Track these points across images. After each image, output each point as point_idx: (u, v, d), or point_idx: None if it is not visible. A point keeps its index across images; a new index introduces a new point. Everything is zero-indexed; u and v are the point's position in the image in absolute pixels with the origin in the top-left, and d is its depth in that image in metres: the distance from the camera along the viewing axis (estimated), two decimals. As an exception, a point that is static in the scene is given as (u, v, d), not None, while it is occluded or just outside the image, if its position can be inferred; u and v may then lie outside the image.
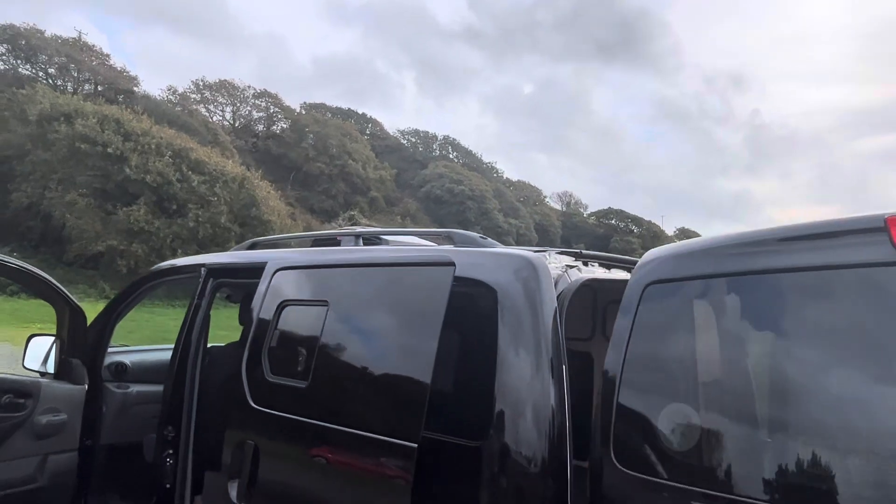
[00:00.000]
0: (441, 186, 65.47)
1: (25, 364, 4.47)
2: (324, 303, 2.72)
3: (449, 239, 2.84)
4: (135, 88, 46.62)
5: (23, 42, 40.48)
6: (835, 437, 1.71)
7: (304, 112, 63.74)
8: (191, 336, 3.65)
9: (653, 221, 79.18)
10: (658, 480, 1.93)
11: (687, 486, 1.85)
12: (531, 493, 2.09)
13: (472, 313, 2.35)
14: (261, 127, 61.86)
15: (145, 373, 4.81)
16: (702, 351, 1.96)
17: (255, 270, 3.24)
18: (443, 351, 2.20)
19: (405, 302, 2.49)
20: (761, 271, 1.87)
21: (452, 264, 2.34)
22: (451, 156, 77.84)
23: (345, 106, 78.54)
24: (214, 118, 57.08)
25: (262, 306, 3.01)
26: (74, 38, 45.12)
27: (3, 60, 41.28)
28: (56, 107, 30.25)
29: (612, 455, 2.06)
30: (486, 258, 2.46)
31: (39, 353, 4.47)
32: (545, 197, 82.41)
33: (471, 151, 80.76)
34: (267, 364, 2.86)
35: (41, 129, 29.92)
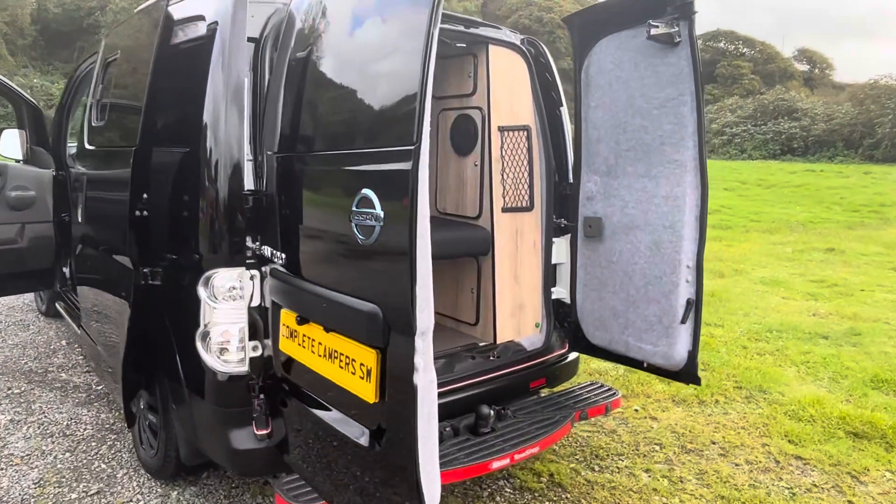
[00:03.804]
0: (529, 15, 61.48)
1: (1, 152, 5.34)
2: (116, 52, 3.21)
3: None
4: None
5: None
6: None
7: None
8: None
9: (767, 42, 71.53)
10: (284, 154, 2.40)
11: (295, 154, 2.33)
12: (220, 182, 2.56)
13: (183, 42, 2.74)
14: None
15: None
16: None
17: None
18: (157, 75, 2.62)
19: (143, 39, 2.91)
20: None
21: (166, 1, 2.69)
22: (539, -20, 72.32)
23: (424, -69, 73.51)
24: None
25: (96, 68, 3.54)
26: None
27: None
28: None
29: (276, 149, 2.50)
30: None
31: (10, 143, 5.31)
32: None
33: (561, -27, 74.48)
34: (97, 112, 3.45)
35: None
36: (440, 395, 3.04)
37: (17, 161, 5.30)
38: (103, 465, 3.46)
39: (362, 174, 1.89)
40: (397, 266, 1.75)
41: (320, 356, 2.14)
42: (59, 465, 3.45)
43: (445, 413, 2.98)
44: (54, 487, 3.24)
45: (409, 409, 1.72)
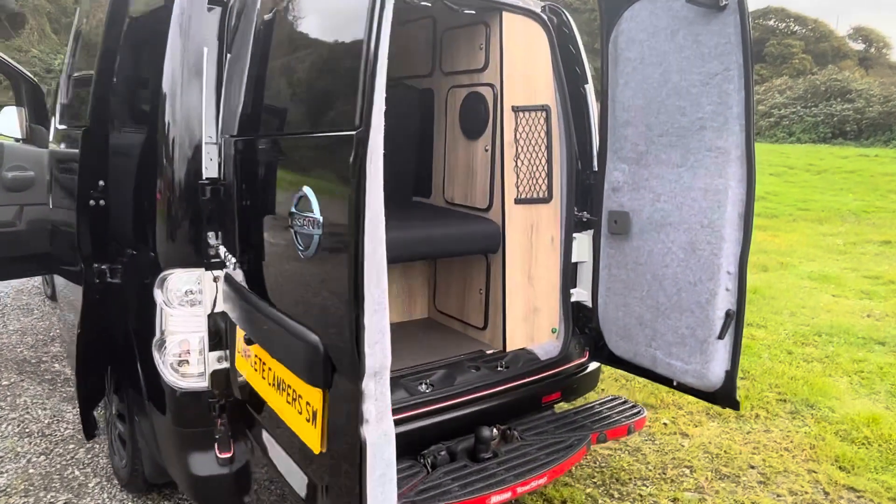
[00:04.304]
0: (571, -7, 60.22)
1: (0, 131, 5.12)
2: (83, 21, 2.90)
3: None
4: None
5: None
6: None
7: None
8: None
9: (820, 20, 68.26)
10: (238, 138, 2.03)
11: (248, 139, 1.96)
12: (176, 169, 2.22)
13: (139, 6, 2.39)
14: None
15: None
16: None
17: None
18: (109, 45, 2.28)
19: (101, 5, 2.58)
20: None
21: None
22: (581, -44, 70.25)
23: None
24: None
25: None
26: None
27: None
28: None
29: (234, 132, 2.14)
30: None
31: (9, 121, 5.08)
32: None
33: (604, -51, 72.13)
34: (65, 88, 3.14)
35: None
36: (437, 411, 2.71)
37: (17, 140, 5.07)
38: (77, 472, 3.21)
39: (302, 167, 1.52)
40: (339, 289, 1.38)
41: (270, 384, 1.79)
42: (30, 471, 3.21)
43: (442, 433, 2.64)
44: (20, 497, 2.99)
45: (357, 469, 1.36)
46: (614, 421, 2.98)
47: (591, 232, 3.13)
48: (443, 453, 2.58)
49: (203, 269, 2.20)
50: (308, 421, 1.54)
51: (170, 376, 2.24)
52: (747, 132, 2.48)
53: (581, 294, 3.24)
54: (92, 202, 2.38)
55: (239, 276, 2.02)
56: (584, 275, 3.23)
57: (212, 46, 2.20)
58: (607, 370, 3.98)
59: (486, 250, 3.13)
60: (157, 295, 2.24)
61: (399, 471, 2.39)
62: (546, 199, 3.12)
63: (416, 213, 3.39)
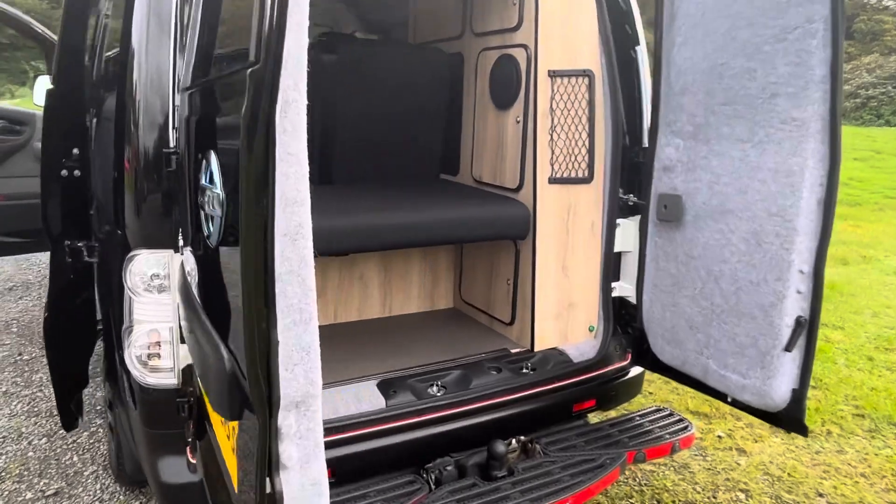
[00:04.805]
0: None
1: (35, 101, 5.03)
2: None
3: None
4: None
5: None
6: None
7: None
8: None
9: (918, -8, 63.22)
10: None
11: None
12: (141, 135, 1.93)
13: None
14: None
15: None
16: None
17: None
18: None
19: None
20: None
21: None
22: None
23: None
24: None
25: None
26: None
27: None
28: None
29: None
30: None
31: (44, 90, 4.98)
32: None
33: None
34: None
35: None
36: (448, 418, 2.38)
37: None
38: (75, 458, 3.05)
39: (210, 124, 1.19)
40: (239, 291, 1.04)
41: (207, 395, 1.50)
42: (29, 454, 3.07)
43: (452, 444, 2.31)
44: (13, 482, 2.85)
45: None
46: (656, 437, 2.58)
47: (637, 218, 2.71)
48: (450, 468, 2.25)
49: (172, 251, 1.92)
50: (233, 451, 1.24)
51: (135, 370, 1.99)
52: (833, 100, 2.01)
53: (624, 288, 2.84)
54: (64, 172, 2.14)
55: (190, 263, 1.73)
56: (629, 266, 2.82)
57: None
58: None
59: (514, 236, 2.76)
60: (125, 278, 1.99)
61: (396, 486, 2.10)
62: (586, 179, 2.71)
63: (438, 192, 3.05)
